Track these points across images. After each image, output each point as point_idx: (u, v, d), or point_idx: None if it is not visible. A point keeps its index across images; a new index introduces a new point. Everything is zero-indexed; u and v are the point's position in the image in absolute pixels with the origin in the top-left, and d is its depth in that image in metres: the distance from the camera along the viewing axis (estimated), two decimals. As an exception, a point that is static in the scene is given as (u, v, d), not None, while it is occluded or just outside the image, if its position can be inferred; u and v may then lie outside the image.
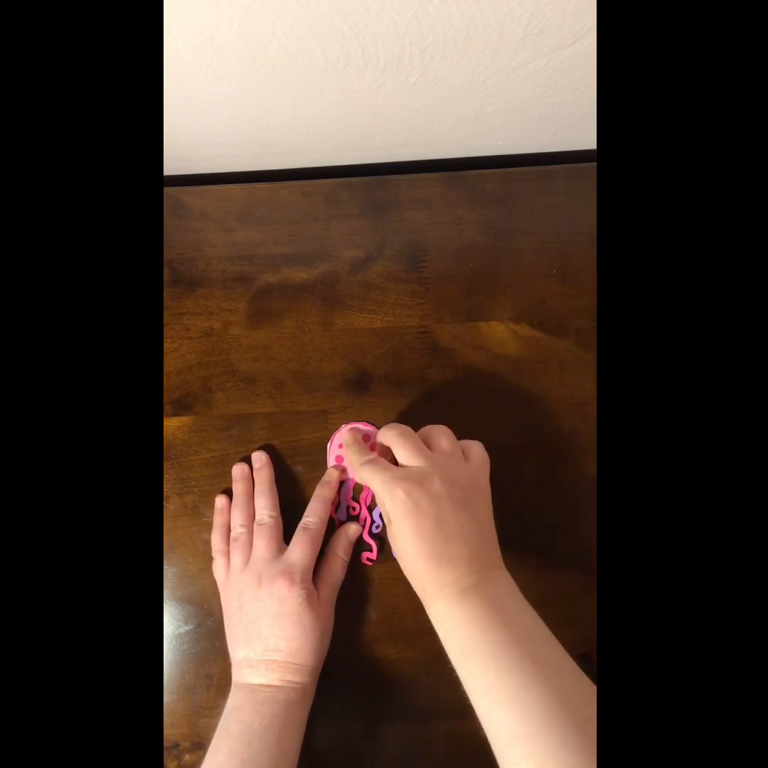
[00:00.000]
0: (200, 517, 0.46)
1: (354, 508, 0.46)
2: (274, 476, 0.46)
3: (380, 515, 0.46)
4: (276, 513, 0.45)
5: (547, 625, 0.34)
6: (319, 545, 0.44)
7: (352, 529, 0.45)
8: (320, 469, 0.47)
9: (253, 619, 0.41)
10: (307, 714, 0.41)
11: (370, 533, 0.46)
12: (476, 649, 0.33)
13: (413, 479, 0.37)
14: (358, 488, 0.46)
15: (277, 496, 0.45)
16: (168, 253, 0.50)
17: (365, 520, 0.46)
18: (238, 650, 0.42)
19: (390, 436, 0.40)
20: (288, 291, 0.50)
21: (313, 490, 0.45)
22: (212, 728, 0.39)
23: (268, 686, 0.39)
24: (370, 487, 0.40)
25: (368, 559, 0.45)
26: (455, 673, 0.34)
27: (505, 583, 0.36)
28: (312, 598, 0.41)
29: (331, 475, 0.46)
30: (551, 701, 0.30)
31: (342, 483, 0.46)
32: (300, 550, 0.42)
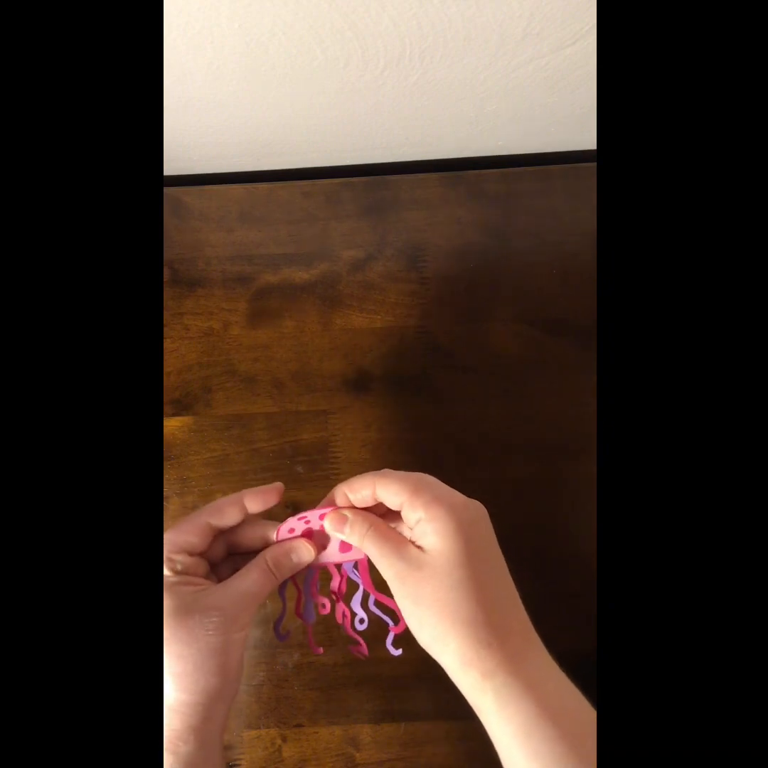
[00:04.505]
0: (200, 517, 0.46)
1: (324, 605, 0.35)
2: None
3: (361, 603, 0.35)
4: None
5: (546, 625, 0.34)
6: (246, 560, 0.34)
7: (303, 549, 0.34)
8: (320, 468, 0.47)
9: None
10: None
11: (353, 628, 0.35)
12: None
13: (457, 499, 0.30)
14: (325, 575, 0.35)
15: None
16: (168, 253, 0.50)
17: (343, 614, 0.35)
18: None
19: (375, 481, 0.32)
20: (288, 291, 0.50)
21: (313, 490, 0.45)
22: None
23: None
24: (404, 520, 0.31)
25: (359, 652, 0.36)
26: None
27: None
28: (180, 590, 0.30)
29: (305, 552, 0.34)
30: None
31: (306, 570, 0.35)
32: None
